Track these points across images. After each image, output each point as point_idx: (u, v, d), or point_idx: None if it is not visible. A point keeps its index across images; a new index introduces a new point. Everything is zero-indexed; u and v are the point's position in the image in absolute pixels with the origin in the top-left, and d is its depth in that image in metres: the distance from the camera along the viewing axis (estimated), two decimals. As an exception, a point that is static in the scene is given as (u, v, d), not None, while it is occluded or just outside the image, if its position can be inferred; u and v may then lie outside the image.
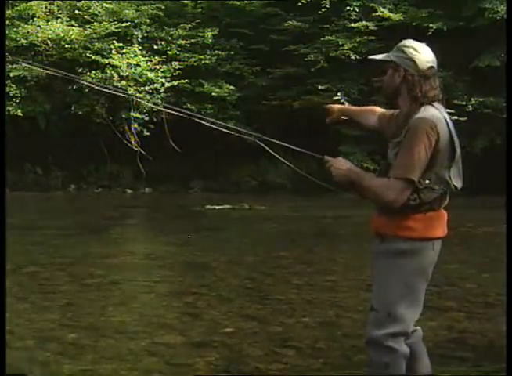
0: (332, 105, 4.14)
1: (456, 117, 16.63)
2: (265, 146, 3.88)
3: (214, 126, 4.37)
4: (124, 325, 5.52)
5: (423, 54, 3.48)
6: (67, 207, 16.89)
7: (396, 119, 3.61)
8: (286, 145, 3.83)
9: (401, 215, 3.39)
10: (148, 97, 19.87)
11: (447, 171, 3.41)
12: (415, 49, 3.48)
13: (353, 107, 4.05)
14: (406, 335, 3.47)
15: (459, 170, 3.48)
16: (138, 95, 19.71)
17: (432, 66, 3.48)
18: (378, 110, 3.89)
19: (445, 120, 3.43)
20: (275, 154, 3.90)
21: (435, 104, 3.46)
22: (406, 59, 3.46)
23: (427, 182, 3.36)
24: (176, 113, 4.48)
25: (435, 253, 3.49)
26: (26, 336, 5.18)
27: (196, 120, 4.41)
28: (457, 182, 3.46)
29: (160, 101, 19.91)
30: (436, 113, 3.41)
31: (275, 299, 6.48)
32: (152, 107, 19.92)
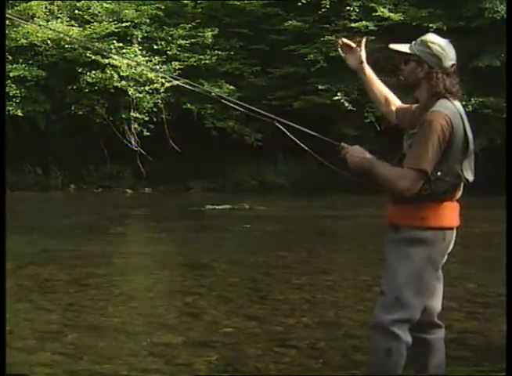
0: (355, 47, 3.85)
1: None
2: (285, 131, 3.90)
3: (236, 107, 4.32)
4: (124, 325, 5.51)
5: (447, 51, 3.52)
6: (67, 208, 16.89)
7: (414, 111, 3.67)
8: (305, 130, 3.83)
9: (414, 205, 3.46)
10: (148, 97, 19.89)
11: (459, 164, 3.47)
12: (441, 46, 3.51)
13: (376, 77, 3.87)
14: (412, 322, 3.51)
15: (471, 164, 3.54)
16: (138, 95, 19.75)
17: (454, 64, 3.54)
18: (397, 102, 3.87)
19: (460, 114, 3.49)
20: (295, 139, 3.88)
21: (451, 99, 3.50)
22: (432, 56, 3.50)
23: (438, 173, 3.42)
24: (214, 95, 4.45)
25: (446, 243, 3.55)
26: (26, 336, 5.18)
27: (224, 102, 4.39)
28: (469, 176, 3.52)
29: (159, 101, 19.94)
30: (451, 107, 3.48)
31: (275, 299, 6.48)
32: (152, 107, 19.96)
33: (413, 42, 3.58)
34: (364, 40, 3.87)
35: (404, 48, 3.58)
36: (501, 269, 5.53)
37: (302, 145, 3.91)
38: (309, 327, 5.46)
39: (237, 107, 4.26)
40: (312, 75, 19.24)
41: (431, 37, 3.56)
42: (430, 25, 17.65)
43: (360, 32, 18.85)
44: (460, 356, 4.62)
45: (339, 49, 3.90)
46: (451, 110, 3.46)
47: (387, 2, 19.15)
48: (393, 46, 3.65)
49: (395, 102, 3.88)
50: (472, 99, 17.54)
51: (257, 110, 4.05)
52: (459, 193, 3.57)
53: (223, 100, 4.41)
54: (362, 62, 3.84)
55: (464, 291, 6.77)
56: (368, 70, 3.86)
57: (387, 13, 18.71)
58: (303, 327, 5.49)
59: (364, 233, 11.11)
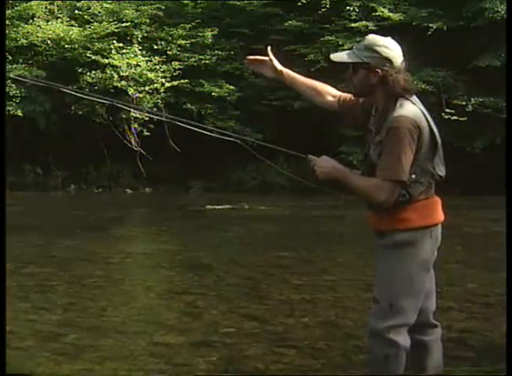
0: (266, 58, 3.86)
1: (456, 117, 16.65)
2: (248, 148, 3.91)
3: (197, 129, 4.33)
4: (124, 325, 5.51)
5: (395, 50, 3.45)
6: (67, 208, 16.89)
7: (363, 106, 3.62)
8: (269, 145, 3.85)
9: (395, 209, 3.42)
10: (148, 97, 19.88)
11: (430, 162, 3.44)
12: (388, 48, 3.44)
13: (297, 75, 3.86)
14: (408, 326, 3.49)
15: (441, 158, 3.50)
16: (138, 95, 19.74)
17: (403, 60, 3.48)
18: (333, 91, 3.82)
19: (422, 111, 3.44)
20: (259, 156, 3.90)
21: (409, 96, 3.45)
22: (382, 60, 3.42)
23: (413, 176, 3.40)
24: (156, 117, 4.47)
25: (434, 241, 3.51)
26: (26, 336, 5.18)
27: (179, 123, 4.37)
28: (440, 171, 3.49)
29: (159, 101, 19.93)
30: (414, 108, 3.42)
31: (275, 299, 6.48)
32: (152, 107, 19.96)
33: (355, 48, 3.50)
34: (269, 49, 3.83)
35: (348, 57, 3.50)
36: (501, 270, 5.53)
37: (268, 162, 3.92)
38: (309, 327, 5.46)
39: (199, 130, 4.27)
40: (312, 75, 19.10)
41: (375, 40, 3.46)
42: (430, 25, 17.65)
43: (360, 32, 18.86)
44: (460, 356, 4.62)
45: (249, 67, 3.89)
46: (414, 111, 3.40)
47: (387, 2, 19.14)
48: (335, 58, 3.57)
49: (330, 91, 3.81)
50: (472, 99, 17.51)
51: (218, 130, 4.08)
52: (433, 188, 3.53)
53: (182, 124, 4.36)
54: (278, 70, 3.81)
55: (464, 291, 6.77)
56: (287, 73, 3.83)
57: (387, 13, 18.70)
58: (303, 327, 5.49)
59: (364, 233, 11.07)
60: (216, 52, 20.47)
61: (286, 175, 19.70)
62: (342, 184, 3.45)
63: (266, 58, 3.81)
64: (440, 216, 3.54)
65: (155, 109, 20.04)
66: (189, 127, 4.15)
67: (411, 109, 3.40)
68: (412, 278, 3.46)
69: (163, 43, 20.72)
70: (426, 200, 3.46)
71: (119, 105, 4.27)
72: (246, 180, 20.25)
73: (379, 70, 3.43)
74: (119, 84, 19.49)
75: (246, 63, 3.85)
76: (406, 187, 3.38)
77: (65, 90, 4.47)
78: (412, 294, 3.47)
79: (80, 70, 19.70)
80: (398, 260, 3.45)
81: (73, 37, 20.09)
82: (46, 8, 21.24)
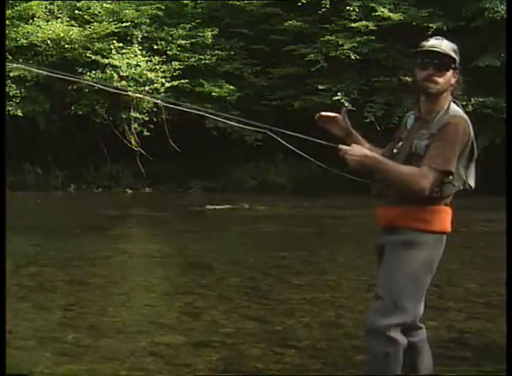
0: (339, 116, 3.76)
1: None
2: (277, 138, 3.85)
3: (227, 121, 4.31)
4: (124, 325, 5.51)
5: None
6: (67, 207, 16.89)
7: (401, 133, 3.65)
8: (298, 135, 3.78)
9: (417, 206, 3.44)
10: (148, 97, 19.89)
11: (465, 169, 3.50)
12: None
13: (361, 139, 3.77)
14: (406, 325, 3.50)
15: (473, 171, 3.57)
16: (138, 95, 19.75)
17: None
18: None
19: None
20: (290, 146, 3.83)
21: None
22: (459, 62, 3.55)
23: (450, 177, 3.42)
24: (179, 109, 4.44)
25: (442, 247, 3.55)
26: (26, 336, 5.17)
27: (206, 115, 4.36)
28: (472, 182, 3.55)
29: (159, 101, 19.94)
30: (463, 112, 3.51)
31: (275, 299, 6.48)
32: (152, 107, 19.97)
33: (441, 46, 3.47)
34: (343, 111, 3.79)
35: (451, 53, 3.51)
36: (502, 270, 5.53)
37: (298, 151, 3.86)
38: (309, 327, 5.45)
39: (226, 121, 4.24)
40: (312, 75, 19.23)
41: (452, 43, 3.56)
42: (431, 25, 17.65)
43: (360, 32, 18.88)
44: (460, 356, 4.62)
45: (318, 122, 3.77)
46: (466, 116, 3.49)
47: (387, 2, 19.15)
48: (444, 51, 3.49)
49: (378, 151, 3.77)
50: (472, 99, 17.53)
51: (248, 121, 4.01)
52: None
53: (210, 115, 4.34)
54: (350, 132, 3.75)
55: (465, 291, 6.77)
56: (355, 136, 3.76)
57: (387, 13, 18.71)
58: (303, 327, 5.49)
59: (364, 233, 11.09)
60: (216, 52, 20.49)
61: (285, 173, 19.76)
62: (375, 171, 3.44)
63: (339, 116, 3.74)
64: (450, 226, 3.58)
65: (155, 109, 20.07)
66: (211, 115, 4.14)
67: (464, 114, 3.50)
68: (418, 280, 3.48)
69: (163, 43, 20.74)
70: (446, 206, 3.51)
71: (123, 91, 4.26)
72: (246, 180, 20.26)
73: (458, 71, 3.55)
74: (119, 84, 19.49)
75: (316, 119, 3.77)
76: (441, 185, 3.42)
77: (76, 80, 4.48)
78: (415, 295, 3.49)
79: (80, 70, 19.71)
80: (407, 260, 3.46)
81: (73, 37, 20.11)
82: (46, 8, 21.26)
